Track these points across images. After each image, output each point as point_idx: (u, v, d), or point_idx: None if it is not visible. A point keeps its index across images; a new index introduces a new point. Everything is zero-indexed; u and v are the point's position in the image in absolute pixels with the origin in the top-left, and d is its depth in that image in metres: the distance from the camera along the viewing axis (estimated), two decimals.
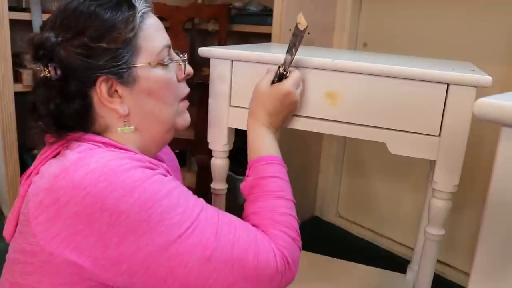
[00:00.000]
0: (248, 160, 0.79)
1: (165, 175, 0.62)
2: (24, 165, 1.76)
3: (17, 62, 1.70)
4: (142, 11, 0.66)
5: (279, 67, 0.81)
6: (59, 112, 0.63)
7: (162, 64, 0.68)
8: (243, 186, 0.77)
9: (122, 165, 0.57)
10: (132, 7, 0.65)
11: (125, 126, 0.67)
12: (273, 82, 0.81)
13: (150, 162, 0.63)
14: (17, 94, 1.60)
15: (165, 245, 0.56)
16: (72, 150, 0.61)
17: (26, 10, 1.64)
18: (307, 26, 0.79)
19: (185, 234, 0.57)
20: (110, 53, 0.63)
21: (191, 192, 0.64)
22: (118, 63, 0.64)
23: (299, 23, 0.79)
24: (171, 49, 0.73)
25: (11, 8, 1.53)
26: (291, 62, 0.82)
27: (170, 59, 0.71)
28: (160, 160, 0.84)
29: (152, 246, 0.56)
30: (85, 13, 0.63)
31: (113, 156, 0.59)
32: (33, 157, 1.89)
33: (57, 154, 0.63)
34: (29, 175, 0.64)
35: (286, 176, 0.77)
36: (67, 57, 0.62)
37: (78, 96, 0.64)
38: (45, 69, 0.63)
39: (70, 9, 0.63)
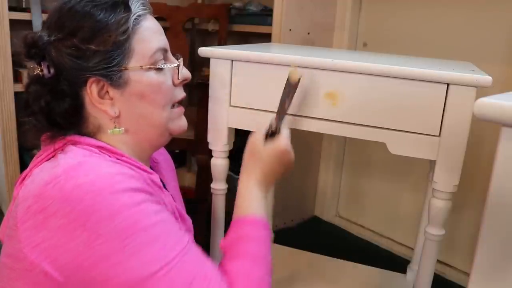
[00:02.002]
0: (233, 216, 0.74)
1: (158, 202, 0.61)
2: (24, 165, 1.77)
3: (17, 62, 1.70)
4: (138, 13, 0.66)
5: (270, 125, 0.78)
6: (49, 109, 0.63)
7: (155, 68, 0.68)
8: (223, 242, 0.71)
9: (112, 185, 0.56)
10: (127, 9, 0.65)
11: (115, 128, 0.67)
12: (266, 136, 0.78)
13: (144, 180, 0.61)
14: (17, 94, 1.60)
15: (134, 281, 0.55)
16: (65, 155, 0.60)
17: (26, 10, 1.64)
18: (299, 78, 0.76)
19: (156, 275, 0.56)
20: (100, 55, 0.63)
21: (176, 228, 0.61)
22: (108, 66, 0.63)
23: (290, 76, 0.76)
24: (169, 52, 0.72)
25: (11, 8, 1.53)
26: (283, 118, 0.78)
27: (164, 63, 0.70)
28: (155, 162, 0.83)
29: (122, 278, 0.55)
30: (80, 13, 0.63)
31: (105, 170, 0.57)
32: (33, 157, 1.89)
33: (52, 157, 0.63)
34: (24, 177, 0.63)
35: (268, 241, 0.71)
36: (57, 57, 0.62)
37: (68, 95, 0.64)
38: (38, 67, 0.63)
39: (65, 8, 0.64)
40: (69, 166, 0.57)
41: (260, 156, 0.75)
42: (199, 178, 1.67)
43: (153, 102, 0.68)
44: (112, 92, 0.65)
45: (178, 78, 0.73)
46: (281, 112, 0.79)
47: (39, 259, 0.55)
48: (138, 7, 0.67)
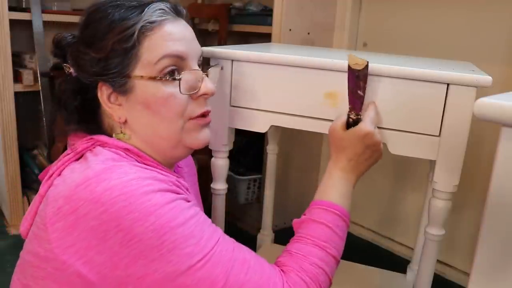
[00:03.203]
0: (314, 199, 0.75)
1: (188, 200, 0.61)
2: (24, 165, 1.76)
3: (17, 62, 1.70)
4: (149, 20, 0.62)
5: (349, 114, 0.76)
6: (67, 104, 0.66)
7: (159, 79, 0.63)
8: (295, 221, 0.73)
9: (143, 187, 0.56)
10: (140, 13, 0.63)
11: (120, 133, 0.66)
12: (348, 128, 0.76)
13: (173, 183, 0.61)
14: (17, 94, 1.60)
15: (173, 275, 0.55)
16: (96, 157, 0.60)
17: (26, 10, 1.64)
18: (367, 63, 0.73)
19: (195, 267, 0.56)
20: (101, 61, 0.62)
21: (209, 221, 0.62)
22: (109, 72, 0.63)
23: (356, 63, 0.74)
24: (187, 60, 0.66)
25: (11, 8, 1.54)
26: (361, 104, 0.76)
27: (177, 73, 0.64)
28: (179, 167, 0.83)
29: (160, 274, 0.55)
30: (99, 13, 0.63)
31: (136, 174, 0.58)
32: (33, 157, 1.90)
33: (81, 157, 0.63)
34: (51, 175, 0.63)
35: (339, 230, 0.71)
36: (72, 59, 0.65)
37: (83, 93, 0.65)
38: (66, 65, 0.66)
39: (92, 8, 0.65)
40: (101, 169, 0.57)
41: (341, 142, 0.74)
42: (199, 178, 1.67)
43: (158, 113, 0.64)
44: (119, 97, 0.65)
45: (192, 90, 0.66)
46: (356, 100, 0.76)
47: (72, 260, 0.55)
48: (154, 12, 0.63)
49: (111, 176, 0.56)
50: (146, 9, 0.63)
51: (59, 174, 0.62)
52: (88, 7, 0.66)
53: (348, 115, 0.76)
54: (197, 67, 0.68)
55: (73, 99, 0.66)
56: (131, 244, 0.54)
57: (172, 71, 0.64)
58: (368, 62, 0.74)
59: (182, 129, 0.66)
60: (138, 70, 0.63)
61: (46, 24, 1.67)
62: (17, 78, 1.64)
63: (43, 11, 1.65)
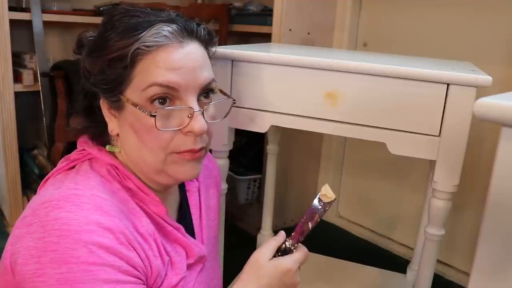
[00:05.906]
0: None
1: (127, 271, 0.55)
2: (24, 165, 1.77)
3: (17, 62, 1.70)
4: (146, 43, 0.58)
5: (286, 241, 0.70)
6: (78, 105, 0.65)
7: (136, 107, 0.59)
8: None
9: (79, 232, 0.53)
10: (141, 33, 0.58)
11: (112, 145, 0.65)
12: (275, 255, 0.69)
13: (128, 234, 0.56)
14: (17, 94, 1.60)
15: None
16: (75, 176, 0.60)
17: (26, 10, 1.64)
18: (335, 198, 0.69)
19: None
20: (98, 74, 0.61)
21: None
22: (102, 86, 0.61)
23: (325, 194, 0.69)
24: (181, 92, 0.60)
25: (11, 8, 1.53)
26: (302, 237, 0.71)
27: (156, 102, 0.59)
28: (196, 181, 0.78)
29: None
30: (114, 20, 0.60)
31: (85, 214, 0.54)
32: (33, 157, 1.89)
33: (72, 167, 0.63)
34: (48, 178, 0.63)
35: None
36: (81, 61, 0.63)
37: (92, 98, 0.64)
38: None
39: (108, 14, 0.62)
40: (65, 195, 0.56)
41: (259, 271, 0.67)
42: None
43: (142, 139, 0.61)
44: (113, 111, 0.63)
45: (167, 126, 0.60)
46: (301, 230, 0.71)
47: (11, 266, 0.56)
48: (154, 35, 0.58)
49: (65, 205, 0.54)
50: (146, 31, 0.58)
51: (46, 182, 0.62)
52: (108, 10, 0.64)
53: (285, 241, 0.70)
54: (192, 100, 0.61)
55: (81, 102, 0.65)
56: (37, 280, 0.52)
57: (162, 101, 0.59)
58: (336, 198, 0.70)
59: (164, 161, 0.62)
60: (129, 92, 0.60)
61: (46, 24, 1.67)
62: (17, 78, 1.64)
63: (43, 11, 1.65)
